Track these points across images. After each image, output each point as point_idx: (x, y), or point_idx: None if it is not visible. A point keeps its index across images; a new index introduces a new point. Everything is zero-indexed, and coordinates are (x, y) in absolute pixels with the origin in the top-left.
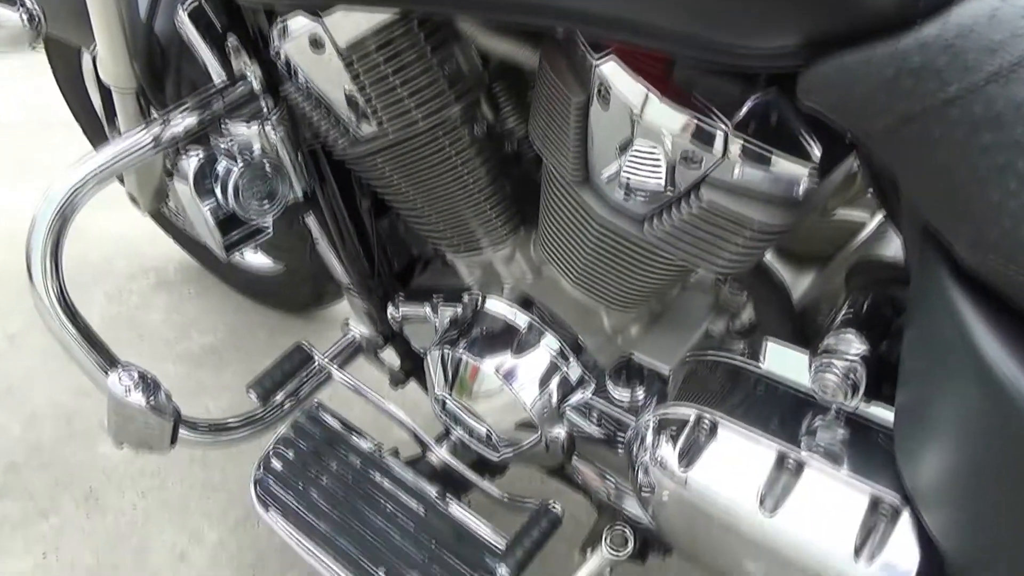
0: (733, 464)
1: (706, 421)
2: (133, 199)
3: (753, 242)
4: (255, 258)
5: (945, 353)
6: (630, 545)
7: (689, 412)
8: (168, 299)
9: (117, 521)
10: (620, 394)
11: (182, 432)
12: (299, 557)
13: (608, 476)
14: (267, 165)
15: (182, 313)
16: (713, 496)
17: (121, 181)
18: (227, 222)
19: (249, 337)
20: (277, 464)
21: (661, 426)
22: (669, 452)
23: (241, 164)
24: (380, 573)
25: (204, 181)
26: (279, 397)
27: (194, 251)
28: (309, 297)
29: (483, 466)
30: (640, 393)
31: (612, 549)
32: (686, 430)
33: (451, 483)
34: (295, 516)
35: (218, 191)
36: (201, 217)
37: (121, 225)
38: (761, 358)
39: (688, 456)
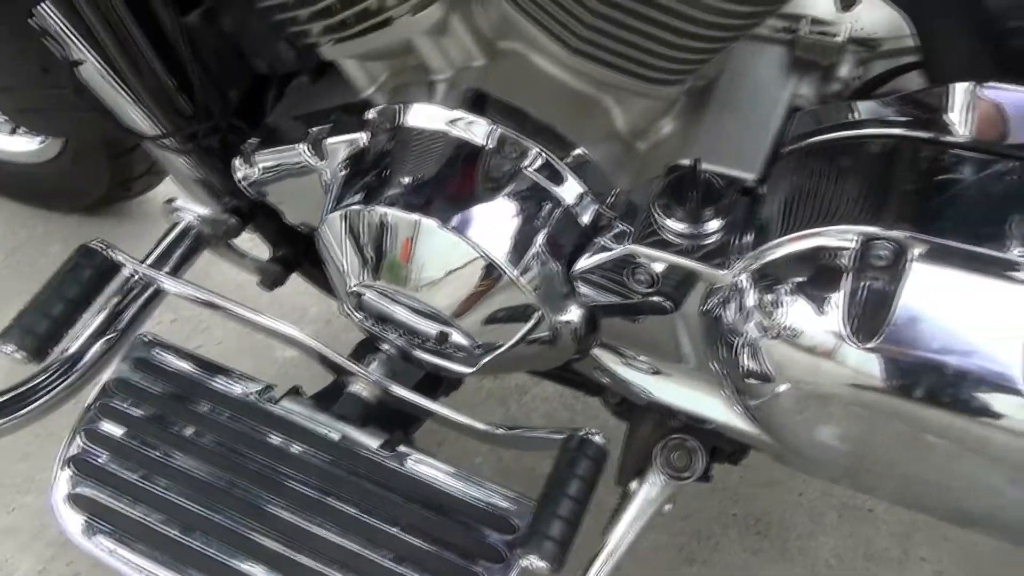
0: (962, 320)
1: (882, 249)
2: None
3: None
4: (17, 142)
5: None
6: (699, 461)
7: (843, 241)
8: None
9: None
10: (677, 227)
11: None
12: None
13: (651, 366)
14: None
15: None
16: (921, 382)
17: None
18: None
19: (37, 255)
20: (97, 452)
21: (776, 273)
22: (808, 315)
23: None
24: None
25: None
26: (70, 344)
27: None
28: (111, 184)
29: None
30: (714, 224)
31: (672, 471)
32: (848, 272)
33: (395, 424)
34: (145, 536)
35: None
36: None
37: None
38: (950, 118)
39: (864, 318)
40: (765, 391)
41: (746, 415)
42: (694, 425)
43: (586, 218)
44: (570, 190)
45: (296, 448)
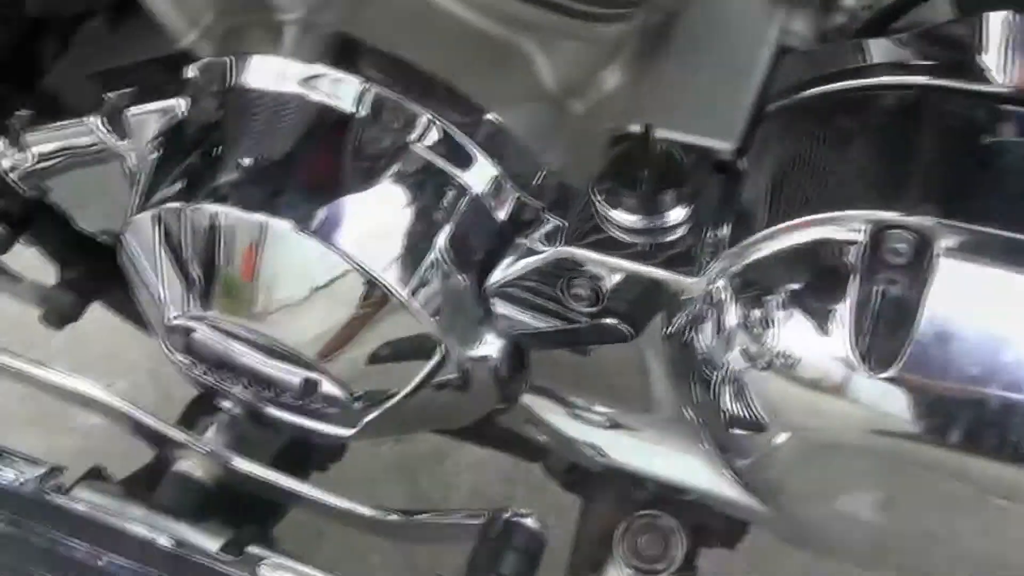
0: (1009, 334)
1: (900, 242)
2: None
3: None
4: None
5: None
6: (677, 546)
7: (849, 232)
8: None
9: None
10: (626, 219)
11: None
12: None
13: (605, 417)
14: None
15: None
16: (960, 421)
17: None
18: None
19: None
20: None
21: (763, 279)
22: (808, 335)
23: None
24: None
25: None
26: None
27: None
28: None
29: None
30: (677, 214)
31: (641, 563)
32: (856, 274)
33: (245, 515)
34: None
35: None
36: None
37: None
38: (984, 60)
39: (877, 336)
40: (757, 444)
41: (735, 479)
42: (668, 497)
43: (502, 211)
44: (479, 173)
45: (94, 557)
